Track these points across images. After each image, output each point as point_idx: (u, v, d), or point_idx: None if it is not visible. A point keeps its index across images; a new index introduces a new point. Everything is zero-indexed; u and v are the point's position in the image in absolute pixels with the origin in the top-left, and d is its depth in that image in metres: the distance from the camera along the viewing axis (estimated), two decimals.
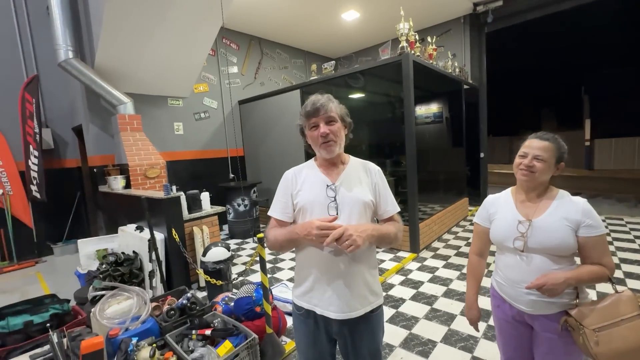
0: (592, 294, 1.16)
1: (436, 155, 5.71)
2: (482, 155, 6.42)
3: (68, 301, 2.43)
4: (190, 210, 3.31)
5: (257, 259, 2.20)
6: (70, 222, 5.16)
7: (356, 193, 1.21)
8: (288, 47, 7.24)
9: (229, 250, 2.96)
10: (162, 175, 4.22)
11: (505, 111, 13.30)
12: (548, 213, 1.16)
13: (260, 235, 2.06)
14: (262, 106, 5.72)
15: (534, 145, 1.17)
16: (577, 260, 1.20)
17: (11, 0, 4.59)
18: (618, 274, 3.08)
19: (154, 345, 1.95)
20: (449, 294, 2.90)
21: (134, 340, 1.90)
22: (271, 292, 2.44)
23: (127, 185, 3.95)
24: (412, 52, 3.91)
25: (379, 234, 1.16)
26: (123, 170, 4.05)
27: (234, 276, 3.19)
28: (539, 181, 1.18)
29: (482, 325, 2.33)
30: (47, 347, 1.90)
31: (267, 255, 4.15)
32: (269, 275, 3.56)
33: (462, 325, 2.38)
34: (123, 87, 4.32)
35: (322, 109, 1.18)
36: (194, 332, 2.07)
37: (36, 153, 4.60)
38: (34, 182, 4.63)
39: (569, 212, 1.14)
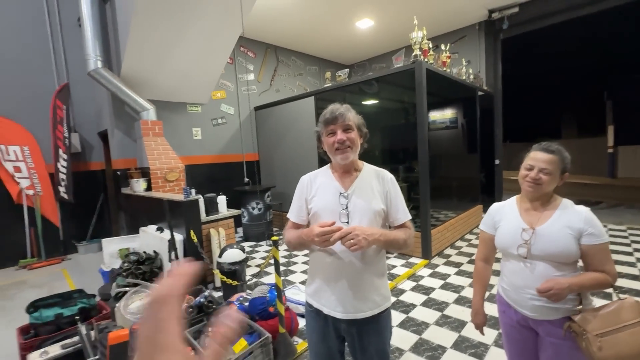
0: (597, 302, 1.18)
1: (450, 162, 5.69)
2: (497, 162, 6.34)
3: (94, 296, 2.58)
4: (207, 213, 3.45)
5: (272, 260, 2.29)
6: (94, 222, 5.41)
7: (367, 201, 1.26)
8: (303, 54, 7.40)
9: (244, 252, 3.07)
10: (181, 178, 4.40)
11: (523, 117, 13.02)
12: (551, 221, 1.20)
13: (275, 237, 2.15)
14: (277, 112, 5.86)
15: (539, 158, 1.20)
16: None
17: (45, 13, 4.91)
18: (634, 284, 3.00)
19: None
20: (461, 300, 2.90)
21: None
22: (284, 294, 2.52)
23: (148, 188, 4.14)
24: (426, 59, 3.96)
25: (387, 239, 1.21)
26: (145, 173, 4.25)
27: (248, 277, 3.29)
28: (544, 192, 1.22)
29: (493, 333, 2.33)
30: (76, 338, 2.04)
31: (281, 257, 4.25)
32: (282, 278, 3.65)
33: (473, 332, 2.38)
34: (146, 95, 4.55)
35: (340, 118, 1.23)
36: (210, 329, 2.16)
37: (65, 156, 4.88)
38: (62, 183, 4.91)
39: (571, 220, 1.17)
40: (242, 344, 2.09)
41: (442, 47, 4.64)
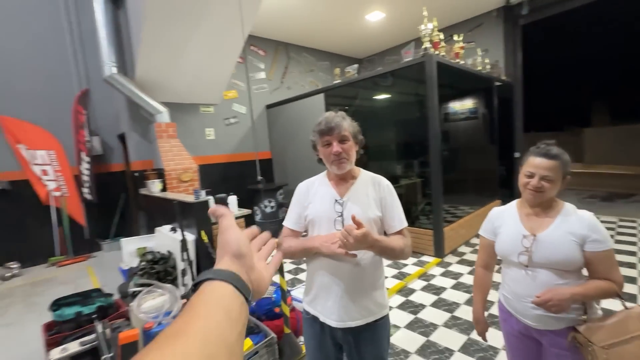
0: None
1: (466, 155, 5.51)
2: (516, 154, 6.08)
3: (111, 295, 2.71)
4: None
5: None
6: (116, 222, 5.67)
7: (362, 208, 1.25)
8: (314, 50, 7.34)
9: None
10: (195, 178, 4.51)
11: (548, 106, 12.36)
12: (553, 228, 1.14)
13: (277, 241, 2.17)
14: (288, 110, 5.87)
15: (540, 165, 1.14)
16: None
17: (65, 22, 5.12)
18: None
19: None
20: (472, 301, 2.82)
21: None
22: (290, 294, 2.55)
23: (164, 189, 4.28)
24: (437, 52, 3.83)
25: (381, 246, 1.16)
26: (160, 174, 4.39)
27: None
28: (546, 198, 1.16)
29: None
30: (93, 336, 2.15)
31: None
32: (291, 277, 3.69)
33: None
34: (160, 97, 4.67)
35: (336, 129, 1.22)
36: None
37: (87, 159, 5.11)
38: (86, 185, 5.16)
39: (574, 226, 1.11)
40: (247, 344, 2.13)
41: (455, 37, 4.46)
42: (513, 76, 5.95)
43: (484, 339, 1.45)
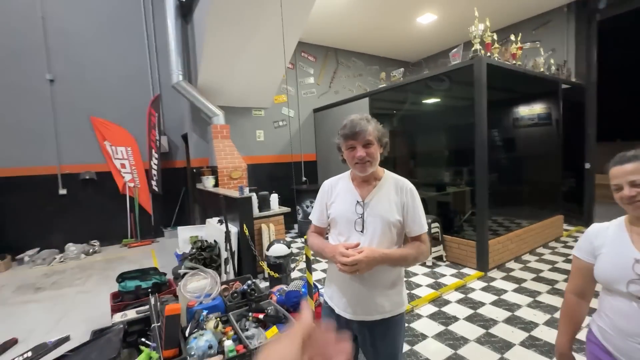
0: None
1: (525, 164, 5.08)
2: (587, 165, 5.41)
3: (165, 274, 3.09)
4: (260, 209, 3.78)
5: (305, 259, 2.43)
6: (177, 212, 6.34)
7: (383, 211, 1.27)
8: (363, 54, 7.39)
9: (289, 248, 3.29)
10: (244, 176, 4.87)
11: (628, 111, 10.64)
12: None
13: (306, 237, 2.29)
14: (334, 114, 6.01)
15: (621, 173, 1.02)
16: None
17: (145, 39, 5.93)
18: None
19: (219, 319, 2.35)
20: (513, 320, 2.63)
21: (205, 313, 2.34)
22: (317, 289, 2.65)
23: (216, 184, 4.70)
24: (489, 54, 3.63)
25: (392, 260, 1.22)
26: (214, 171, 4.83)
27: (294, 270, 3.51)
28: None
29: None
30: (147, 307, 2.49)
31: None
32: (324, 275, 3.79)
33: (518, 356, 2.16)
34: (217, 101, 5.15)
35: (360, 133, 1.21)
36: (250, 314, 2.42)
37: (156, 155, 5.83)
38: (154, 178, 5.88)
39: None
40: (274, 331, 2.28)
41: (512, 37, 4.16)
42: (585, 78, 5.32)
43: None
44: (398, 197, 1.30)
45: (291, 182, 6.13)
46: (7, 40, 4.95)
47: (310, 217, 1.50)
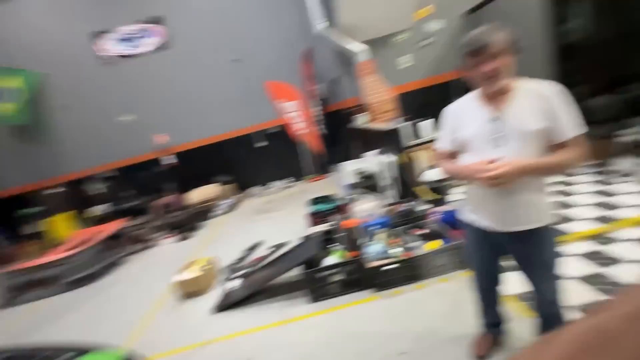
0: None
1: None
2: None
3: (341, 199, 3.87)
4: (412, 138, 3.89)
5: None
6: (341, 149, 7.27)
7: (521, 123, 1.20)
8: None
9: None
10: (395, 108, 4.96)
11: None
12: None
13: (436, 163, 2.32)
14: (491, 11, 4.90)
15: None
16: None
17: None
18: None
19: (387, 233, 2.87)
20: None
21: (375, 227, 2.90)
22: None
23: (370, 120, 5.05)
24: None
25: (539, 168, 1.18)
26: (366, 108, 5.16)
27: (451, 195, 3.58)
28: None
29: None
30: (331, 223, 3.31)
31: None
32: None
33: None
34: (359, 38, 5.23)
35: (485, 49, 1.14)
36: (411, 230, 2.80)
37: (318, 102, 6.72)
38: (320, 123, 6.89)
39: None
40: (437, 243, 2.58)
41: None
42: None
43: None
44: (540, 102, 1.19)
45: (447, 104, 5.72)
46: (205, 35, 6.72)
47: (436, 145, 1.51)
